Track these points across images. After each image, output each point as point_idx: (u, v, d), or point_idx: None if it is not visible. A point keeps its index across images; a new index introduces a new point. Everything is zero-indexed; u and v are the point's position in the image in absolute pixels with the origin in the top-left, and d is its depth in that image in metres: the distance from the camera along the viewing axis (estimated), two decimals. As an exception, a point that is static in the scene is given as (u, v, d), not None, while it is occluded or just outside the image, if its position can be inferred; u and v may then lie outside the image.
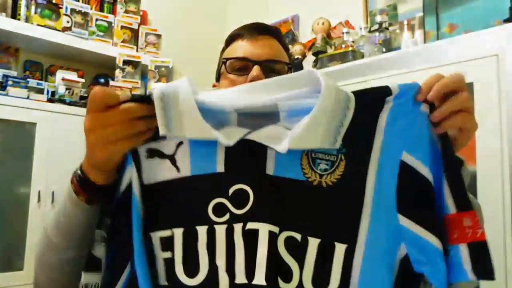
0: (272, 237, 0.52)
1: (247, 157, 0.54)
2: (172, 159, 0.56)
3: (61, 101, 1.90)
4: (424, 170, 0.53)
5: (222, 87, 0.83)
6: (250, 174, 0.54)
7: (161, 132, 0.53)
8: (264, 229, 0.52)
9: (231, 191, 0.54)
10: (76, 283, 0.62)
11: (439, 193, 0.53)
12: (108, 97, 0.50)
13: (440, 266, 0.50)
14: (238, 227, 0.53)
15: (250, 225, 0.53)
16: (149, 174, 0.56)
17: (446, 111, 0.53)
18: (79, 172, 0.57)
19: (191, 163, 0.55)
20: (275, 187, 0.54)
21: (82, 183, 0.57)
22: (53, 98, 1.92)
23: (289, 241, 0.53)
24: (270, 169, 0.54)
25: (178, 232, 0.54)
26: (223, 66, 0.81)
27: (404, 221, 0.53)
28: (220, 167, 0.55)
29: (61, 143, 1.80)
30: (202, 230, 0.54)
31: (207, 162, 0.55)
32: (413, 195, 0.53)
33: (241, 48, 0.81)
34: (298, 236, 0.53)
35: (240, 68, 0.79)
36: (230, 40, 0.85)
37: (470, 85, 1.25)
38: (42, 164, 1.75)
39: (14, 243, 1.70)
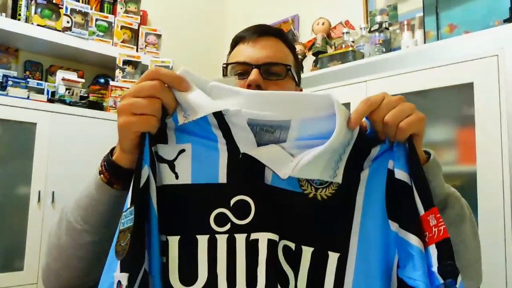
0: (272, 245, 0.53)
1: (247, 167, 0.55)
2: (171, 164, 0.56)
3: (61, 101, 1.90)
4: (403, 176, 0.54)
5: None
6: (250, 185, 0.56)
7: (180, 121, 0.54)
8: (263, 238, 0.54)
9: (232, 202, 0.55)
10: (91, 271, 0.62)
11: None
12: (157, 73, 0.54)
13: (418, 265, 0.50)
14: (240, 237, 0.54)
15: (254, 236, 0.54)
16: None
17: (388, 128, 0.55)
18: (107, 156, 0.59)
19: (192, 171, 0.56)
20: (273, 197, 0.55)
21: (106, 163, 0.59)
22: (53, 98, 1.92)
23: (285, 250, 0.55)
24: (268, 179, 0.56)
25: (173, 240, 0.54)
26: (225, 71, 0.81)
27: (393, 226, 0.54)
28: (222, 178, 0.56)
29: (61, 143, 1.80)
30: (203, 239, 0.54)
31: (209, 171, 0.56)
32: (398, 200, 0.54)
33: (242, 52, 0.81)
34: (292, 245, 0.55)
35: (241, 72, 0.79)
36: (234, 43, 0.85)
37: (470, 85, 1.25)
38: (42, 164, 1.75)
39: (14, 243, 1.70)
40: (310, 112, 0.55)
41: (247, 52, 0.80)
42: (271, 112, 0.55)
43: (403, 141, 0.55)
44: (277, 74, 0.80)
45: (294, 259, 0.55)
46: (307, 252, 0.55)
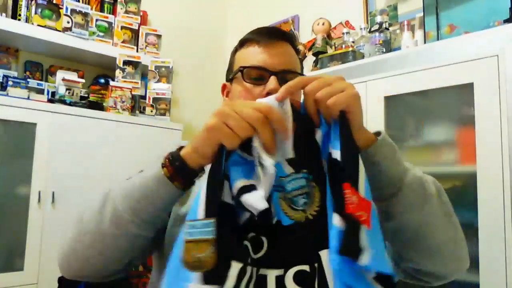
0: (279, 280, 0.54)
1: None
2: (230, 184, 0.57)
3: (61, 101, 1.90)
4: (337, 154, 0.54)
5: (235, 92, 0.83)
6: (260, 224, 0.56)
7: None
8: (272, 275, 0.54)
9: (249, 236, 0.56)
10: (120, 263, 0.63)
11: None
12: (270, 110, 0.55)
13: (333, 242, 0.49)
14: (253, 271, 0.55)
15: (262, 271, 0.54)
16: None
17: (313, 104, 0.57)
18: (175, 151, 0.60)
19: None
20: (274, 231, 0.56)
21: (173, 158, 0.59)
22: (53, 98, 1.92)
23: (298, 275, 0.54)
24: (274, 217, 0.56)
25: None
26: (240, 73, 0.80)
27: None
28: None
29: (61, 143, 1.80)
30: (235, 266, 0.53)
31: None
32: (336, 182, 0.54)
33: (257, 55, 0.80)
34: (306, 267, 0.55)
35: (257, 77, 0.79)
36: (245, 42, 0.84)
37: (470, 85, 1.25)
38: (42, 164, 1.74)
39: (14, 243, 1.70)
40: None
41: (264, 56, 0.79)
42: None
43: (336, 118, 0.55)
44: None
45: (310, 279, 0.54)
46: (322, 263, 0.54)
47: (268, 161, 0.53)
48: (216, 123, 0.54)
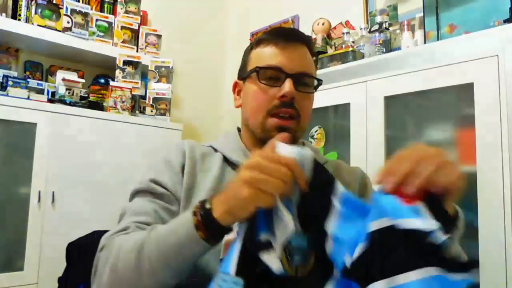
0: None
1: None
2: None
3: (61, 101, 1.90)
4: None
5: (249, 91, 0.82)
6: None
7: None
8: None
9: None
10: None
11: None
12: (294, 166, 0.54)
13: None
14: None
15: None
16: None
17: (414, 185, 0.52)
18: (207, 206, 0.59)
19: None
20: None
21: (206, 219, 0.58)
22: (53, 98, 1.92)
23: None
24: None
25: None
26: (255, 73, 0.80)
27: None
28: None
29: (61, 143, 1.80)
30: None
31: None
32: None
33: (274, 56, 0.79)
34: None
35: (272, 77, 0.79)
36: (261, 42, 0.83)
37: (470, 85, 1.25)
38: (42, 164, 1.75)
39: (14, 243, 1.70)
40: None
41: (279, 58, 0.79)
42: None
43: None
44: (308, 85, 0.81)
45: None
46: None
47: (288, 218, 0.53)
48: (252, 192, 0.54)
